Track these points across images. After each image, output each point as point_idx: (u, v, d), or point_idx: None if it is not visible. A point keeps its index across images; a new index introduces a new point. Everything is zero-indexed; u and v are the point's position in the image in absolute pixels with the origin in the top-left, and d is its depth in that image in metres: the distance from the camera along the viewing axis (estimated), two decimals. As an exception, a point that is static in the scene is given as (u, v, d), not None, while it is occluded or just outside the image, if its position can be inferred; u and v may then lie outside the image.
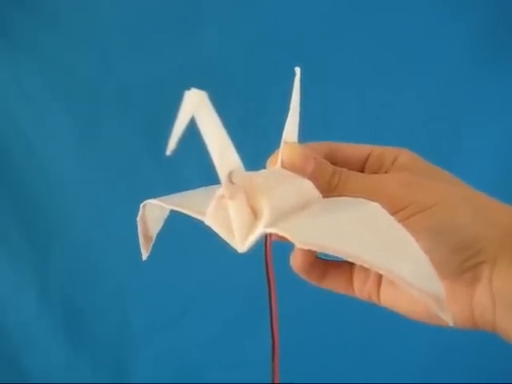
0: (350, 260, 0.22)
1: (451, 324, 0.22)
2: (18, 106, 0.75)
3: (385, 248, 0.23)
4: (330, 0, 0.73)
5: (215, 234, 0.25)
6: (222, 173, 0.23)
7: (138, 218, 0.30)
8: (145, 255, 0.31)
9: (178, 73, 0.73)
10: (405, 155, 0.31)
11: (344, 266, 0.33)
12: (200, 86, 0.21)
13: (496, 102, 0.74)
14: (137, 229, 0.31)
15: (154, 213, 0.31)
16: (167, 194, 0.29)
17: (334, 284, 0.33)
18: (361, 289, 0.32)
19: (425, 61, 0.74)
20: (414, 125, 0.75)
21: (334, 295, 0.34)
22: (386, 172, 0.31)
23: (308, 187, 0.27)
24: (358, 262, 0.22)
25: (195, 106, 0.21)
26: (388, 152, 0.32)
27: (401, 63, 0.74)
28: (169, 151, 0.20)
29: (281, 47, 0.73)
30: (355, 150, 0.33)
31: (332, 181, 0.29)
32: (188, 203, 0.27)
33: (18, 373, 0.79)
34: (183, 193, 0.29)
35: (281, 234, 0.23)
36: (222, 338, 0.78)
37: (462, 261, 0.27)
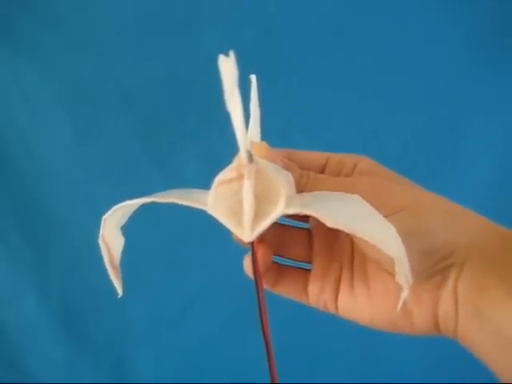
0: (366, 239, 0.23)
1: (402, 300, 0.23)
2: (17, 106, 0.75)
3: (380, 231, 0.24)
4: (328, 3, 0.73)
5: (217, 225, 0.24)
6: (243, 149, 0.22)
7: (100, 239, 0.28)
8: (119, 290, 0.29)
9: (177, 73, 0.73)
10: (365, 162, 0.31)
11: (299, 273, 0.33)
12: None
13: (496, 102, 0.74)
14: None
15: (113, 233, 0.28)
16: None
17: (287, 290, 0.32)
18: (317, 297, 0.32)
19: (424, 61, 0.74)
20: (413, 125, 0.75)
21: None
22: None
23: (292, 180, 0.27)
24: (373, 242, 0.23)
25: (228, 74, 0.20)
26: (347, 158, 0.32)
27: (400, 64, 0.74)
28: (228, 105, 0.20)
29: (281, 49, 0.74)
30: (312, 156, 0.32)
31: (299, 182, 0.29)
32: (185, 196, 0.26)
33: (18, 373, 0.79)
34: (168, 191, 0.28)
35: (309, 213, 0.23)
36: (222, 338, 0.78)
37: (430, 265, 0.27)
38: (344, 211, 0.25)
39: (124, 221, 0.29)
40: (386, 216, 0.27)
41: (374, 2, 0.74)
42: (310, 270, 0.32)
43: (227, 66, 0.20)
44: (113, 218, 0.28)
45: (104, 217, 0.27)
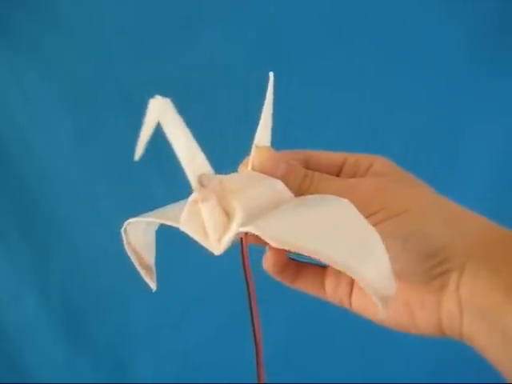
0: (319, 259, 0.22)
1: (382, 317, 0.21)
2: (17, 106, 0.75)
3: (351, 246, 0.23)
4: (328, 3, 0.73)
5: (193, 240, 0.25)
6: (191, 177, 0.23)
7: (126, 246, 0.30)
8: (153, 286, 0.31)
9: (178, 73, 0.73)
10: (380, 162, 0.31)
11: (317, 269, 0.33)
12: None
13: (496, 101, 0.74)
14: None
15: (139, 236, 0.30)
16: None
17: (305, 285, 0.33)
18: (333, 293, 0.32)
19: (424, 61, 0.74)
20: (413, 125, 0.75)
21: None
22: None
23: (279, 187, 0.27)
24: (327, 262, 0.22)
25: (160, 114, 0.21)
26: (363, 159, 0.32)
27: (400, 64, 0.74)
28: (136, 157, 0.20)
29: (281, 49, 0.73)
30: (330, 157, 0.33)
31: (303, 184, 0.29)
32: (165, 214, 0.27)
33: (18, 373, 0.79)
34: (163, 207, 0.29)
35: (253, 232, 0.23)
36: (221, 339, 0.78)
37: (430, 268, 0.27)
38: (315, 225, 0.24)
39: (154, 226, 0.30)
40: (386, 219, 0.26)
41: (374, 2, 0.74)
42: (326, 266, 0.33)
43: (154, 107, 0.21)
44: (135, 226, 0.29)
45: (123, 227, 0.29)
